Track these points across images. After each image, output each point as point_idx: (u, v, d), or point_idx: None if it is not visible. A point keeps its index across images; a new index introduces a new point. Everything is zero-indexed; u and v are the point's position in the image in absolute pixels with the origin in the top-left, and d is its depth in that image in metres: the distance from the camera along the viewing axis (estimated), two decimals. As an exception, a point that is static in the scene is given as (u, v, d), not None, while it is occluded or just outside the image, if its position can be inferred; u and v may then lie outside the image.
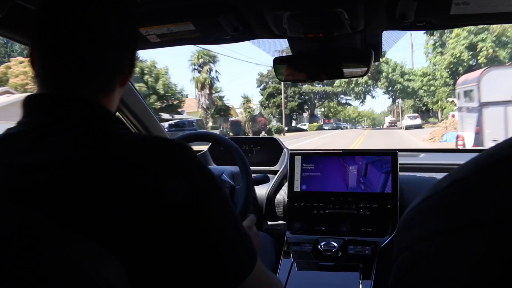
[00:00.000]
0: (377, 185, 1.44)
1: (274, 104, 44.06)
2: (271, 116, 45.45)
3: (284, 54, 1.30)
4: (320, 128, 46.56)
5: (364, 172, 1.47)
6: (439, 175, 1.56)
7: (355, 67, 1.24)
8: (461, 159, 1.71)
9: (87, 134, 0.55)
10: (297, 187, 1.52)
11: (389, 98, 50.49)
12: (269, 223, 1.67)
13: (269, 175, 1.62)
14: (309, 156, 1.53)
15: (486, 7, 0.96)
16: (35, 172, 0.51)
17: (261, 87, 46.46)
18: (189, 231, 0.53)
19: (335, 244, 1.37)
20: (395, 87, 41.48)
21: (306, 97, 48.90)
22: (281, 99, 42.53)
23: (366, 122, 75.37)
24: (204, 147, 1.96)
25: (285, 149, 1.85)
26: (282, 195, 1.60)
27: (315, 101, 53.80)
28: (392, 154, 1.45)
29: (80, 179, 0.50)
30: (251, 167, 1.37)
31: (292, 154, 1.55)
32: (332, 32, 1.12)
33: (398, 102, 53.25)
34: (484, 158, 0.35)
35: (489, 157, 0.35)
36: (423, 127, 30.54)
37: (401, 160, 1.52)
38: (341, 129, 51.80)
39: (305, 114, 55.16)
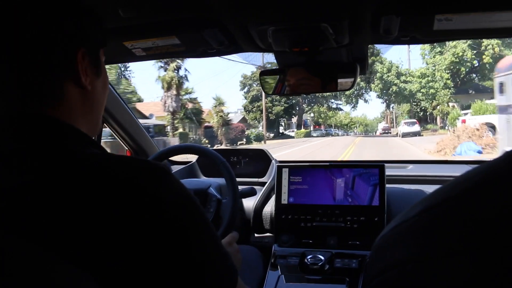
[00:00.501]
0: (365, 197, 1.44)
1: (258, 109, 39.57)
2: (256, 121, 41.80)
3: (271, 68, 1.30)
4: (308, 135, 41.61)
5: (352, 184, 1.46)
6: (427, 187, 1.57)
7: (342, 80, 1.24)
8: (449, 171, 1.72)
9: (51, 156, 0.53)
10: (284, 199, 1.52)
11: (382, 102, 46.49)
12: (256, 235, 1.66)
13: (257, 187, 1.62)
14: (296, 169, 1.53)
15: (468, 23, 0.97)
16: (9, 198, 0.49)
17: (245, 90, 42.15)
18: (167, 254, 0.52)
19: (322, 258, 1.37)
20: (391, 89, 36.46)
21: (293, 101, 43.42)
22: (265, 102, 38.03)
23: (358, 128, 74.13)
24: (192, 158, 1.95)
25: (273, 161, 1.85)
26: (269, 208, 1.60)
27: (304, 105, 48.75)
28: (379, 166, 1.46)
29: (52, 203, 0.49)
30: (239, 179, 1.36)
31: (280, 167, 1.55)
32: (317, 46, 1.12)
33: (392, 108, 49.42)
34: (451, 188, 0.35)
35: (456, 186, 0.35)
36: (422, 135, 27.39)
37: (389, 171, 1.52)
38: (332, 136, 47.46)
39: (294, 120, 50.71)
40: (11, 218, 0.48)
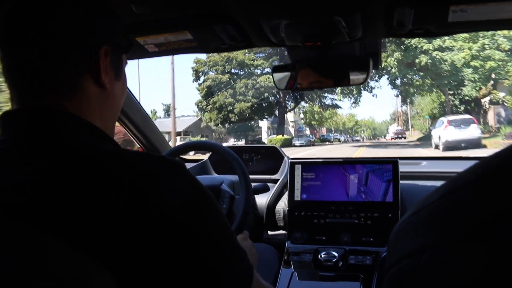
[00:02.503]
0: (378, 194, 1.43)
1: (214, 106, 27.81)
2: (215, 124, 29.26)
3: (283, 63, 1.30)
4: (287, 143, 27.75)
5: (365, 180, 1.46)
6: (441, 183, 1.55)
7: (354, 75, 1.24)
8: (462, 167, 1.69)
9: (68, 151, 0.53)
10: (297, 196, 1.51)
11: (396, 95, 31.90)
12: (269, 232, 1.66)
13: (270, 184, 1.62)
14: (309, 165, 1.53)
15: (483, 14, 0.96)
16: (24, 192, 0.49)
17: (201, 80, 29.28)
18: (182, 248, 0.52)
19: (336, 254, 1.36)
20: (417, 61, 20.18)
21: (266, 94, 28.12)
22: (225, 97, 27.12)
23: (366, 132, 67.73)
24: (204, 156, 1.96)
25: (285, 158, 1.85)
26: (282, 204, 1.59)
27: (288, 101, 31.57)
28: (392, 162, 1.45)
29: (68, 197, 0.49)
30: (251, 176, 1.36)
31: (292, 163, 1.55)
32: (330, 41, 1.12)
33: (408, 103, 37.67)
34: (470, 172, 0.35)
35: (475, 170, 0.34)
36: (485, 146, 13.96)
37: (402, 168, 1.51)
38: (329, 143, 36.39)
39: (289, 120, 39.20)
40: (27, 212, 0.48)
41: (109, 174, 0.51)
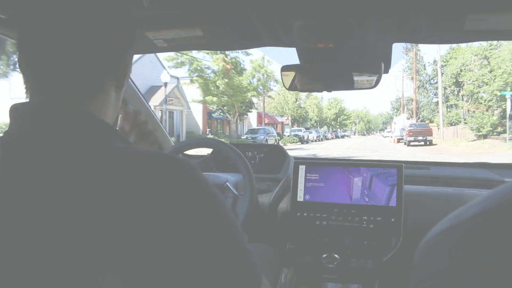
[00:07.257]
0: (382, 198, 1.43)
1: None
2: None
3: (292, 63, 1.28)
4: None
5: (369, 184, 1.45)
6: (446, 189, 1.54)
7: (365, 78, 1.23)
8: (468, 173, 1.68)
9: (81, 148, 0.53)
10: (300, 197, 1.50)
11: None
12: (270, 233, 1.65)
13: (272, 184, 1.61)
14: (313, 166, 1.51)
15: (501, 24, 0.95)
16: (32, 188, 0.49)
17: None
18: (189, 249, 0.51)
19: (337, 257, 1.35)
20: None
21: None
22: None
23: (358, 125, 57.76)
24: (206, 152, 1.93)
25: (289, 157, 1.83)
26: (284, 205, 1.58)
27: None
28: (397, 166, 1.44)
29: (78, 196, 0.49)
30: (254, 174, 1.35)
31: (297, 163, 1.53)
32: (342, 43, 1.11)
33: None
34: (509, 190, 0.33)
35: None
36: None
37: (408, 171, 1.50)
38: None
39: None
40: (39, 213, 0.48)
41: (122, 173, 0.51)
